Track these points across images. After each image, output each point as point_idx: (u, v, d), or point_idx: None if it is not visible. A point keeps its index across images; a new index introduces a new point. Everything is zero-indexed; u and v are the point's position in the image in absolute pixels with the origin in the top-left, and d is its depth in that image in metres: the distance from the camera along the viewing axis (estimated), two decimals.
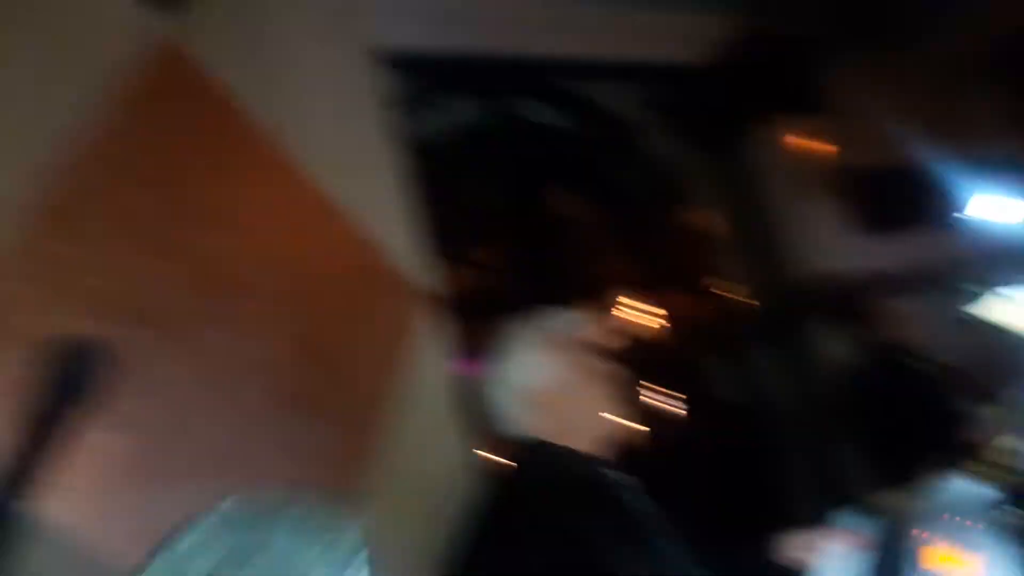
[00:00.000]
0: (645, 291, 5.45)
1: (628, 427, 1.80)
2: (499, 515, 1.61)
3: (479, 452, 2.41)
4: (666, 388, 4.38)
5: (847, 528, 1.79)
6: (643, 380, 3.62)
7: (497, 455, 2.12)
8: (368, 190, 2.34)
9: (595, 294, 4.79)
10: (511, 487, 1.70)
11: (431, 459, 2.18)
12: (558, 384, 1.73)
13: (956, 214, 6.07)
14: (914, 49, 5.91)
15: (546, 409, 1.72)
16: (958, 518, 1.62)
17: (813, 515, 1.92)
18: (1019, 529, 1.69)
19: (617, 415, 1.78)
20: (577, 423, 1.73)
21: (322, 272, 2.21)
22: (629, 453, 1.80)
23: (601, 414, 1.77)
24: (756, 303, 5.02)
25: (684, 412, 4.31)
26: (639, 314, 6.53)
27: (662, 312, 4.84)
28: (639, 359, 1.86)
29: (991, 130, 6.58)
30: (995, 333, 2.49)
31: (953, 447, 2.45)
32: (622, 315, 4.91)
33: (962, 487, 1.79)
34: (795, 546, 1.77)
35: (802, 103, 5.11)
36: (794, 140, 5.05)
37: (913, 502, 1.84)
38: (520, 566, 1.47)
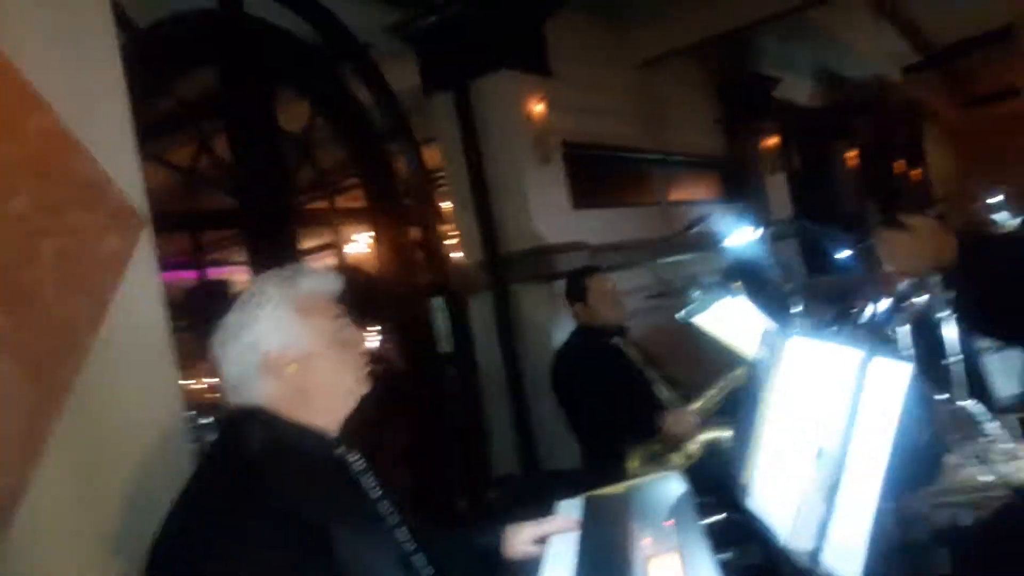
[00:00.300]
0: (363, 223, 5.24)
1: (362, 395, 1.62)
2: (224, 494, 1.38)
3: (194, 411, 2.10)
4: (379, 331, 4.27)
5: (565, 514, 1.80)
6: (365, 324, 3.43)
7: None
8: (73, 80, 1.86)
9: (308, 214, 4.49)
10: (233, 460, 1.46)
11: (137, 410, 1.83)
12: (301, 351, 1.50)
13: (660, 199, 6.70)
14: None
15: (285, 378, 1.49)
16: (662, 516, 1.66)
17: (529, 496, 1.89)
18: (715, 524, 1.80)
19: (357, 384, 1.60)
20: (315, 394, 1.53)
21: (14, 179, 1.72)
22: (361, 422, 1.65)
23: (342, 385, 1.58)
24: (472, 257, 5.06)
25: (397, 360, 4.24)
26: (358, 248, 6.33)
27: (380, 253, 4.68)
28: (360, 301, 1.66)
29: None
30: (700, 333, 2.66)
31: (651, 432, 2.60)
32: (341, 248, 4.69)
33: (663, 481, 1.85)
34: (522, 537, 1.73)
35: (532, 60, 5.19)
36: (527, 104, 5.08)
37: (622, 488, 1.89)
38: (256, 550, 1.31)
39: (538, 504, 1.91)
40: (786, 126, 8.50)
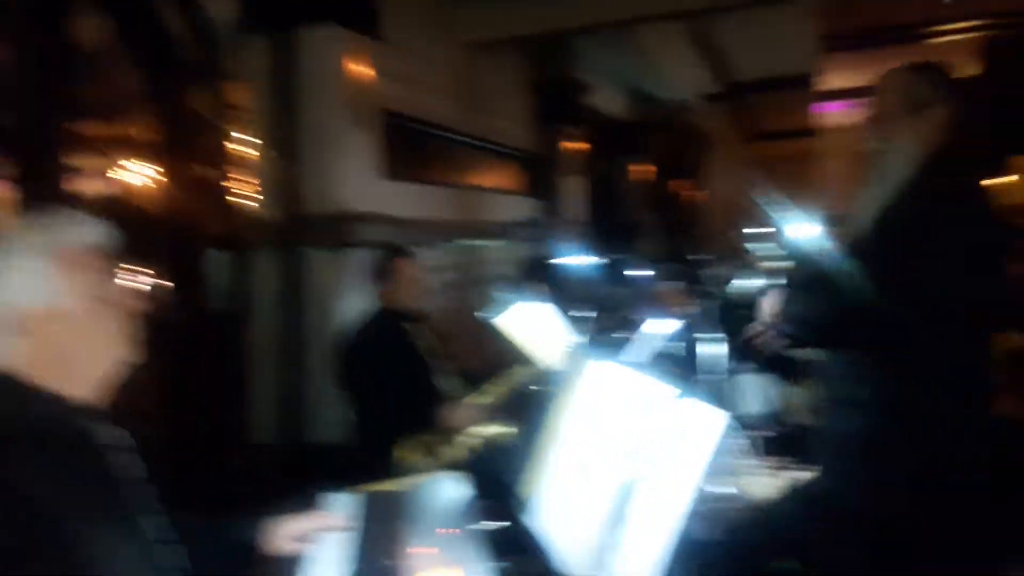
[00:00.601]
0: (149, 157, 4.81)
1: (131, 363, 1.47)
2: None
3: None
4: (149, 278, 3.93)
5: (332, 510, 1.75)
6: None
7: None
8: None
9: (88, 139, 4.04)
10: None
11: None
12: (59, 309, 1.33)
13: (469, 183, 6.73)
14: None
15: (38, 339, 1.31)
16: (440, 522, 1.67)
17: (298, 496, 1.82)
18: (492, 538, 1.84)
19: (124, 350, 1.44)
20: (72, 358, 1.36)
21: None
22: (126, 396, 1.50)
23: (104, 349, 1.41)
24: (268, 212, 4.81)
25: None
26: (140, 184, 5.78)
27: (163, 193, 4.32)
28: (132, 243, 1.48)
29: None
30: (498, 333, 2.72)
31: (429, 423, 2.61)
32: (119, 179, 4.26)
33: (442, 482, 1.86)
34: (283, 533, 1.63)
35: (363, 21, 5.02)
36: (350, 64, 4.90)
37: (398, 486, 1.88)
38: None
39: (296, 479, 1.84)
40: (591, 132, 8.83)
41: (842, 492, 2.01)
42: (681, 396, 1.23)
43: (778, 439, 3.51)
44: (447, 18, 6.34)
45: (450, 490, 1.74)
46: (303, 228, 4.81)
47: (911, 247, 1.83)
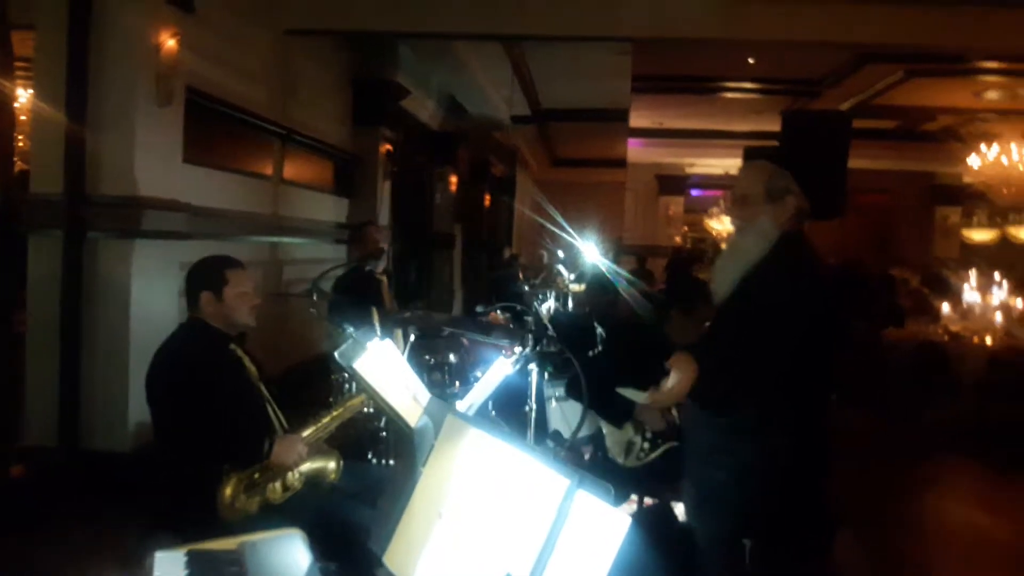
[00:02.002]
0: None
1: None
2: None
3: None
4: None
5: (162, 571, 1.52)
6: None
7: None
8: None
9: None
10: None
11: None
12: None
13: (276, 175, 6.34)
14: None
15: None
16: None
17: None
18: None
19: None
20: None
21: None
22: None
23: None
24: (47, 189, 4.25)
25: None
26: None
27: None
28: None
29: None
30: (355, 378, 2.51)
31: (255, 458, 2.36)
32: None
33: (281, 540, 1.68)
34: None
35: None
36: (156, 35, 4.46)
37: (232, 545, 1.68)
38: None
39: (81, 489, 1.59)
40: (405, 137, 8.71)
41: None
42: (575, 488, 1.15)
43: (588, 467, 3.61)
44: (268, 2, 5.96)
45: (291, 549, 1.55)
46: (89, 210, 4.28)
47: (766, 312, 2.12)
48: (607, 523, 1.09)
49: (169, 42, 4.53)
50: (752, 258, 2.25)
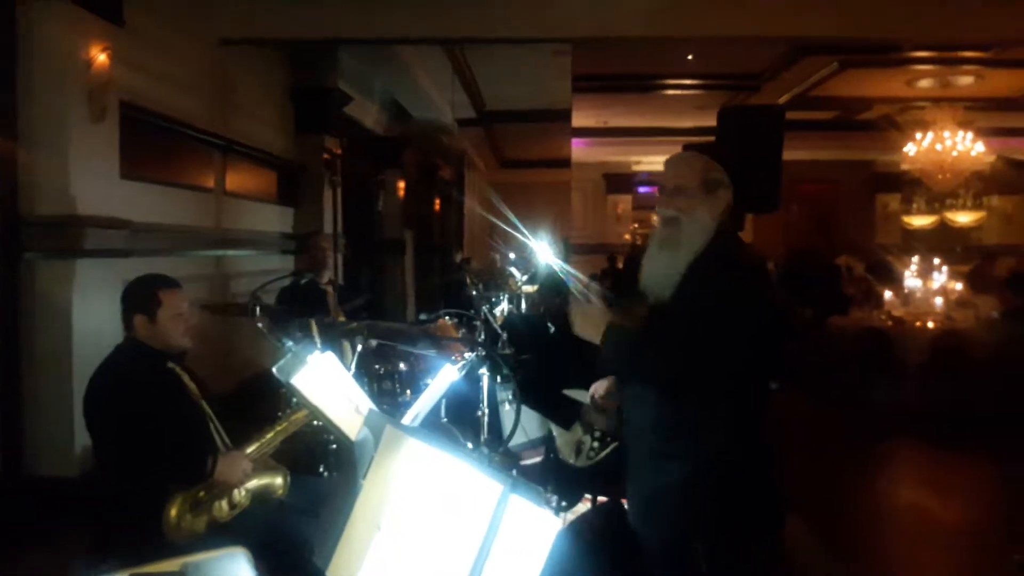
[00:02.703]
0: None
1: None
2: None
3: None
4: None
5: None
6: None
7: None
8: None
9: None
10: None
11: None
12: None
13: (218, 187, 6.23)
14: None
15: None
16: None
17: None
18: None
19: None
20: None
21: None
22: None
23: None
24: None
25: None
26: None
27: None
28: None
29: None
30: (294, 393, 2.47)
31: (198, 477, 2.33)
32: None
33: (225, 560, 1.66)
34: None
35: (102, 2, 4.50)
36: (87, 49, 4.37)
37: (175, 567, 1.65)
38: None
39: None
40: (349, 144, 8.65)
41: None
42: (508, 493, 1.17)
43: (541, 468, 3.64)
44: (201, 12, 5.87)
45: (232, 570, 1.54)
46: (24, 231, 4.18)
47: (710, 307, 2.09)
48: (539, 525, 1.11)
49: (100, 56, 4.45)
50: (695, 252, 2.20)
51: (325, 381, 2.36)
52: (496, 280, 9.46)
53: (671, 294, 2.21)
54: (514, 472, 2.38)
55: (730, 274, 2.18)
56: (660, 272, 2.25)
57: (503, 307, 7.59)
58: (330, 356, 2.45)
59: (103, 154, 4.57)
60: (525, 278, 9.45)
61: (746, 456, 2.18)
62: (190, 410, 2.52)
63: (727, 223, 2.29)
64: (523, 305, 8.32)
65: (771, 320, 2.33)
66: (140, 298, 2.56)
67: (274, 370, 2.31)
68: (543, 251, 8.55)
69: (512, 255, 11.19)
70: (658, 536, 2.21)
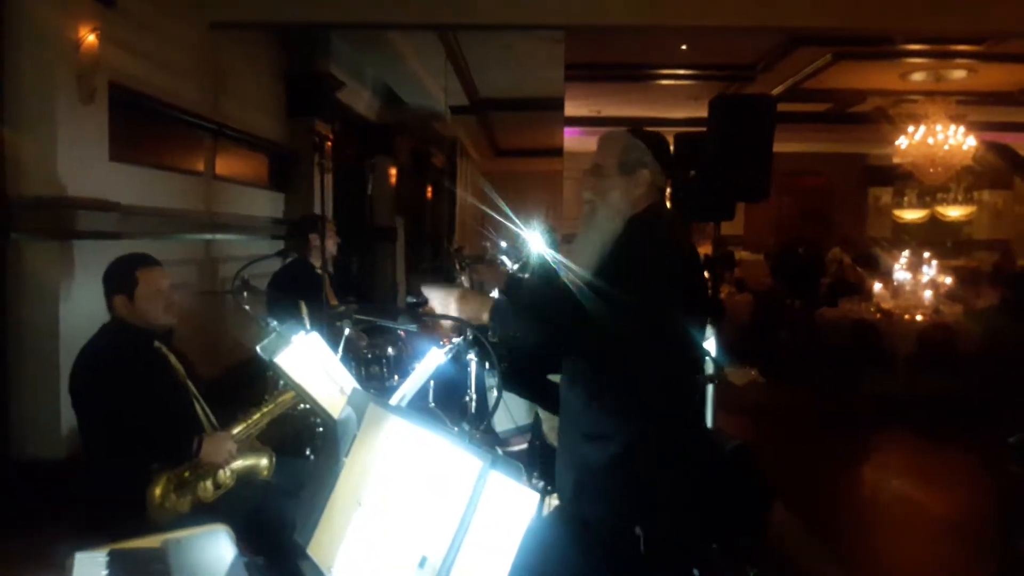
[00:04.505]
0: None
1: None
2: None
3: None
4: None
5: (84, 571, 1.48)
6: None
7: None
8: None
9: None
10: None
11: None
12: None
13: (208, 171, 6.20)
14: None
15: None
16: None
17: None
18: None
19: None
20: None
21: None
22: None
23: None
24: None
25: None
26: None
27: None
28: None
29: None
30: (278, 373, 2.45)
31: (183, 456, 2.33)
32: None
33: (207, 537, 1.66)
34: None
35: None
36: (76, 30, 4.33)
37: (156, 543, 1.65)
38: None
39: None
40: (341, 129, 8.62)
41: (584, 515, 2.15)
42: (488, 469, 1.17)
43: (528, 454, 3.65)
44: None
45: (216, 544, 1.54)
46: (12, 212, 4.16)
47: (622, 296, 1.99)
48: (518, 501, 1.12)
49: (89, 37, 4.41)
50: (606, 238, 2.14)
51: (310, 361, 2.36)
52: (483, 267, 9.42)
53: (589, 278, 2.11)
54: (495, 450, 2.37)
55: (644, 261, 2.08)
56: (582, 257, 2.17)
57: (494, 295, 7.58)
58: (315, 336, 2.45)
59: (92, 136, 4.53)
60: (516, 267, 9.44)
61: (678, 439, 2.12)
62: (176, 390, 2.51)
63: (655, 206, 2.21)
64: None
65: (697, 310, 2.20)
66: (119, 277, 2.56)
67: (258, 348, 2.30)
68: (535, 240, 8.53)
69: (504, 244, 11.17)
70: (593, 519, 2.13)
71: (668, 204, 2.52)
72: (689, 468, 2.14)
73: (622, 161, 2.17)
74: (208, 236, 6.18)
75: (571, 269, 2.12)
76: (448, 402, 3.80)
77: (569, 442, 2.23)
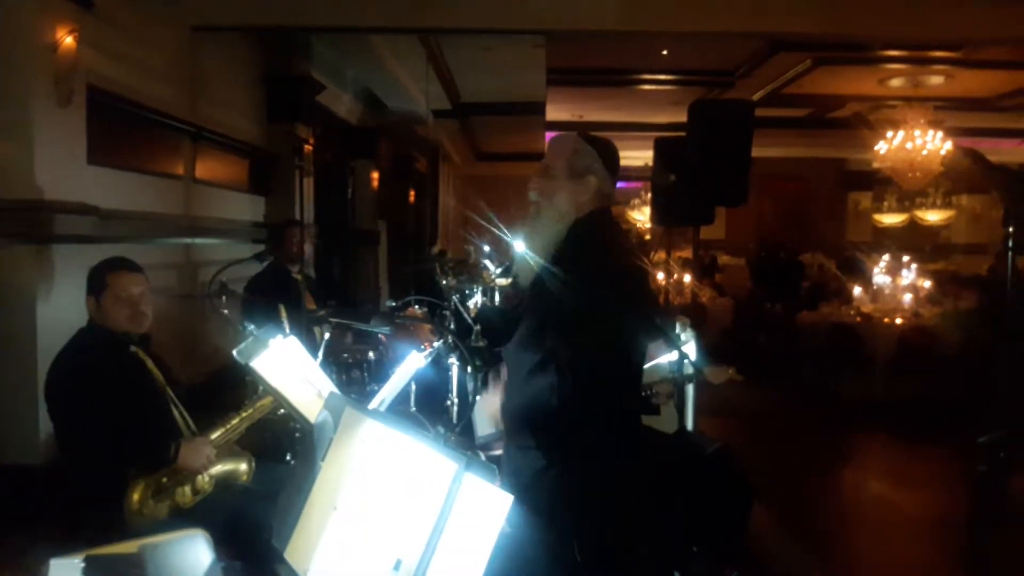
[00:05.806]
0: None
1: None
2: None
3: None
4: None
5: None
6: None
7: None
8: None
9: None
10: None
11: None
12: None
13: (187, 174, 6.16)
14: None
15: None
16: None
17: None
18: None
19: None
20: None
21: None
22: None
23: None
24: None
25: None
26: None
27: None
28: None
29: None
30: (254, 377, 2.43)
31: (161, 462, 2.31)
32: None
33: (184, 542, 1.66)
34: None
35: None
36: (53, 32, 4.30)
37: (133, 548, 1.64)
38: None
39: None
40: (323, 133, 8.60)
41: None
42: (463, 472, 1.17)
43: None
44: None
45: (194, 549, 1.53)
46: None
47: (551, 306, 2.02)
48: (492, 503, 1.12)
49: (67, 39, 4.38)
50: (547, 243, 2.13)
51: (287, 365, 2.35)
52: (470, 273, 9.44)
53: (531, 289, 2.16)
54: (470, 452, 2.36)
55: (586, 265, 2.06)
56: (523, 259, 2.17)
57: (476, 299, 7.59)
58: (293, 340, 2.44)
59: (70, 139, 4.51)
60: (499, 271, 9.44)
61: (621, 450, 2.07)
62: (153, 395, 2.49)
63: (599, 211, 2.20)
64: (496, 298, 8.32)
65: (637, 324, 2.15)
66: (91, 279, 2.55)
67: (234, 352, 2.28)
68: (517, 245, 8.52)
69: (487, 248, 11.17)
70: (532, 524, 2.02)
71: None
72: (621, 474, 2.08)
73: (571, 165, 2.16)
74: (188, 240, 6.14)
75: (555, 275, 2.09)
76: (430, 406, 3.80)
77: (507, 449, 2.22)
